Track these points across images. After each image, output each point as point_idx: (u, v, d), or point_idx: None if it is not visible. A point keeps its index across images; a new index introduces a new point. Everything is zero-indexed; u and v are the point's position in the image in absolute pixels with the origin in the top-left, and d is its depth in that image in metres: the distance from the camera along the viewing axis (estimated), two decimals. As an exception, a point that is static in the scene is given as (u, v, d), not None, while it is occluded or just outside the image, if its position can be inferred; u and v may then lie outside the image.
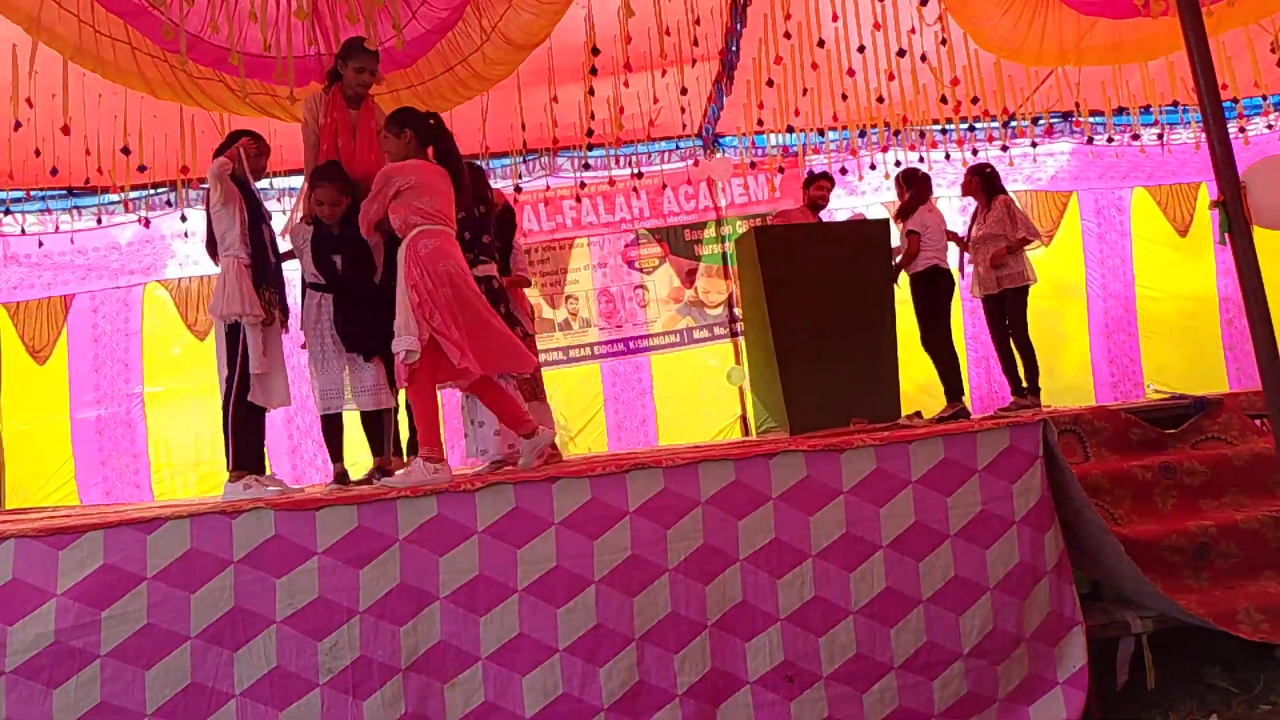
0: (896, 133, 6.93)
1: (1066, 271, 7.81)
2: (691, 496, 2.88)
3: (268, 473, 4.02)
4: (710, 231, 7.54)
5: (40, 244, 6.16)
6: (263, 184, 6.28)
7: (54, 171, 5.08)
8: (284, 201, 6.17)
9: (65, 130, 4.88)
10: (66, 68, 4.73)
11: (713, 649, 2.77)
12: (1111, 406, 4.21)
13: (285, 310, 4.08)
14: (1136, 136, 7.25)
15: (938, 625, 2.83)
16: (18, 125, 4.84)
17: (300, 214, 4.12)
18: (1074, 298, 7.84)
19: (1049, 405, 6.34)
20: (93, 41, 4.67)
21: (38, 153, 5.26)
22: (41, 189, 5.92)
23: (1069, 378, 7.65)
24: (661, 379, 7.42)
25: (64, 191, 5.78)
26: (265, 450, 4.00)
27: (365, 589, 2.77)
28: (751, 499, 2.89)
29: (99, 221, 6.08)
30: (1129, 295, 7.89)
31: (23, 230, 6.07)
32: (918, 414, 4.94)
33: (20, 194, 5.97)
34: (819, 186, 5.87)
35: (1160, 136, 7.30)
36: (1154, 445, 3.86)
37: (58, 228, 6.02)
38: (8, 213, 6.02)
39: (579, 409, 6.97)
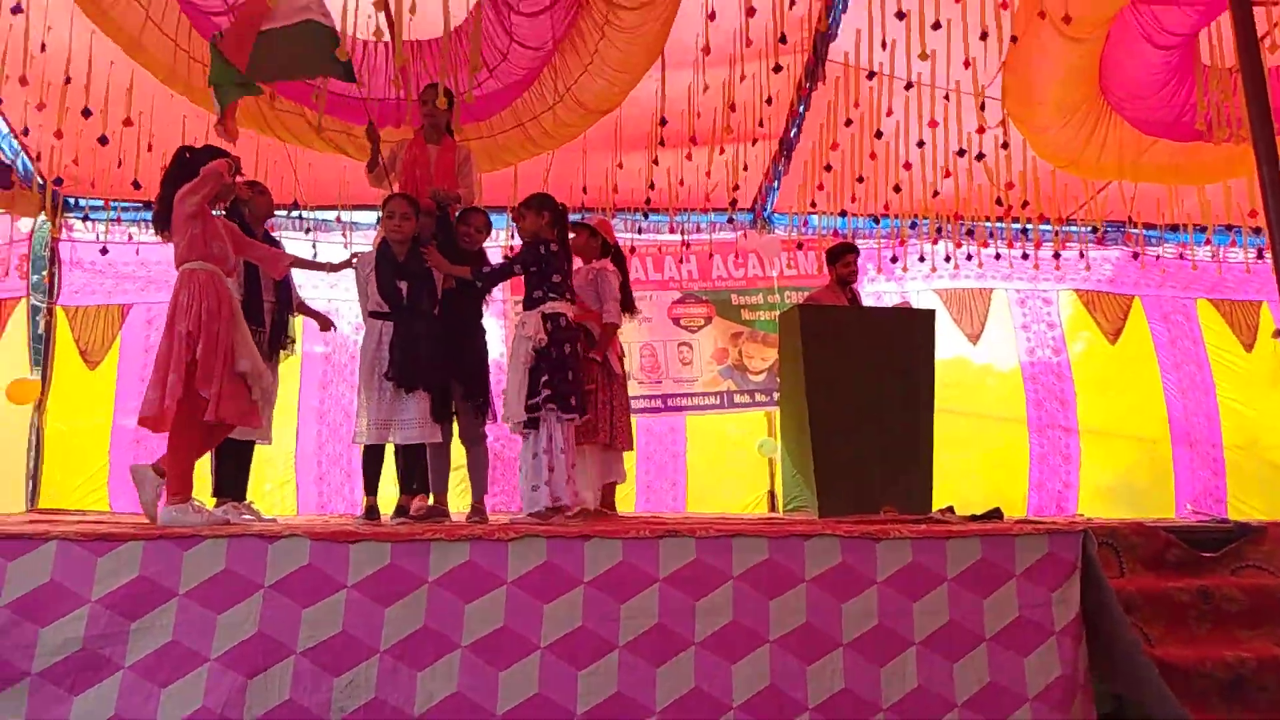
0: (939, 229, 6.96)
1: (1140, 375, 7.65)
2: (723, 570, 2.85)
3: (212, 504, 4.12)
4: (760, 298, 7.54)
5: (105, 251, 6.36)
6: (329, 214, 6.53)
7: (136, 185, 5.30)
8: (350, 234, 6.39)
9: (150, 148, 5.13)
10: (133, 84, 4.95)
11: None
12: (1148, 523, 4.13)
13: (279, 344, 4.32)
14: (1183, 255, 7.25)
15: None
16: (104, 140, 5.07)
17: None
18: (1151, 401, 7.60)
19: (1083, 514, 6.25)
20: (185, 66, 4.92)
21: (120, 164, 5.50)
22: (116, 199, 6.14)
23: (1147, 485, 7.50)
24: (696, 443, 7.39)
25: (140, 205, 5.98)
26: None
27: (389, 628, 2.73)
28: (784, 579, 2.84)
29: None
30: (1211, 404, 7.58)
31: (98, 238, 6.27)
32: (950, 509, 4.87)
33: (99, 202, 6.20)
34: (845, 263, 5.62)
35: (1214, 255, 7.29)
36: (1192, 567, 3.78)
37: (130, 238, 6.22)
38: (86, 219, 6.23)
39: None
